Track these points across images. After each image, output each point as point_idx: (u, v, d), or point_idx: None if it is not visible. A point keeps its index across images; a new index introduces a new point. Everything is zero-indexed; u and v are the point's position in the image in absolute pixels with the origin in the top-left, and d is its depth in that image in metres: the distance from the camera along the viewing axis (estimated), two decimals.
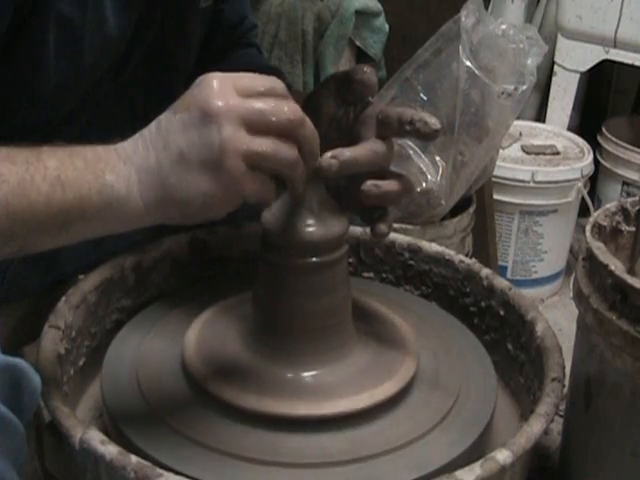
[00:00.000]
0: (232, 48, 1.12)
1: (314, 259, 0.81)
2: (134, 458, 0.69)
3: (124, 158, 0.70)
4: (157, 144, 0.70)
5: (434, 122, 0.78)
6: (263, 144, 0.69)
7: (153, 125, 0.71)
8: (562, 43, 2.26)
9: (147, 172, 0.70)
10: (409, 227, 1.64)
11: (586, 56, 2.23)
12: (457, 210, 1.74)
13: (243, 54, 1.12)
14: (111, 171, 0.70)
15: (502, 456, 0.72)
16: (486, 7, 1.87)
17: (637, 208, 1.09)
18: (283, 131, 0.70)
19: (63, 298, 0.90)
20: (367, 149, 0.80)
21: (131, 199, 0.70)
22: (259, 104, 0.69)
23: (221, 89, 0.68)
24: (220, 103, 0.68)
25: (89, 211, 0.69)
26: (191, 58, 1.03)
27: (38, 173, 0.68)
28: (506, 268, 2.04)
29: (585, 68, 2.24)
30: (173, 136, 0.69)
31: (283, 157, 0.70)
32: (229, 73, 0.71)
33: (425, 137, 0.79)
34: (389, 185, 0.82)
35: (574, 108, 2.31)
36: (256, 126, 0.69)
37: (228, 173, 0.68)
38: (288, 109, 0.70)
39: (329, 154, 0.78)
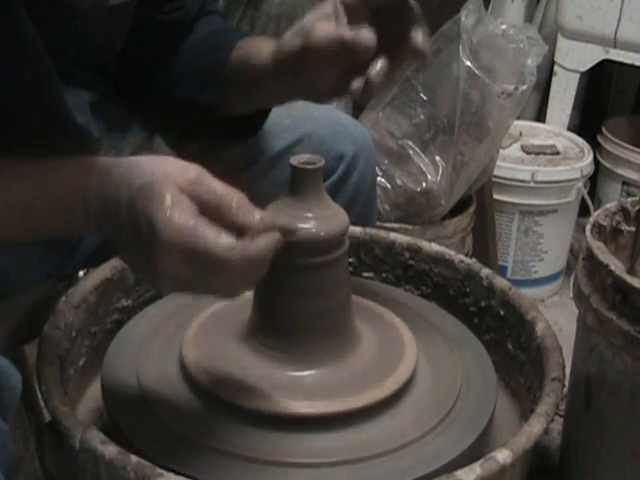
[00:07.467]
0: (197, 18, 1.11)
1: (314, 259, 0.81)
2: (134, 458, 0.69)
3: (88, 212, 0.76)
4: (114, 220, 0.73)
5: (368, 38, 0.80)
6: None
7: (119, 196, 0.72)
8: (562, 43, 2.25)
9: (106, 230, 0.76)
10: (409, 227, 1.64)
11: (586, 56, 2.22)
12: (457, 210, 1.74)
13: (205, 22, 1.11)
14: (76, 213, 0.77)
15: (502, 456, 0.72)
16: (486, 7, 1.87)
17: (637, 208, 1.09)
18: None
19: (63, 298, 0.90)
20: None
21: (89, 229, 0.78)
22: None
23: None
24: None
25: (49, 234, 0.81)
26: (103, 55, 1.02)
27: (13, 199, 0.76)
28: (506, 268, 2.04)
29: (585, 68, 2.24)
30: (125, 233, 0.71)
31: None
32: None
33: (361, 55, 0.81)
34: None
35: (574, 108, 2.31)
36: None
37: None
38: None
39: None
